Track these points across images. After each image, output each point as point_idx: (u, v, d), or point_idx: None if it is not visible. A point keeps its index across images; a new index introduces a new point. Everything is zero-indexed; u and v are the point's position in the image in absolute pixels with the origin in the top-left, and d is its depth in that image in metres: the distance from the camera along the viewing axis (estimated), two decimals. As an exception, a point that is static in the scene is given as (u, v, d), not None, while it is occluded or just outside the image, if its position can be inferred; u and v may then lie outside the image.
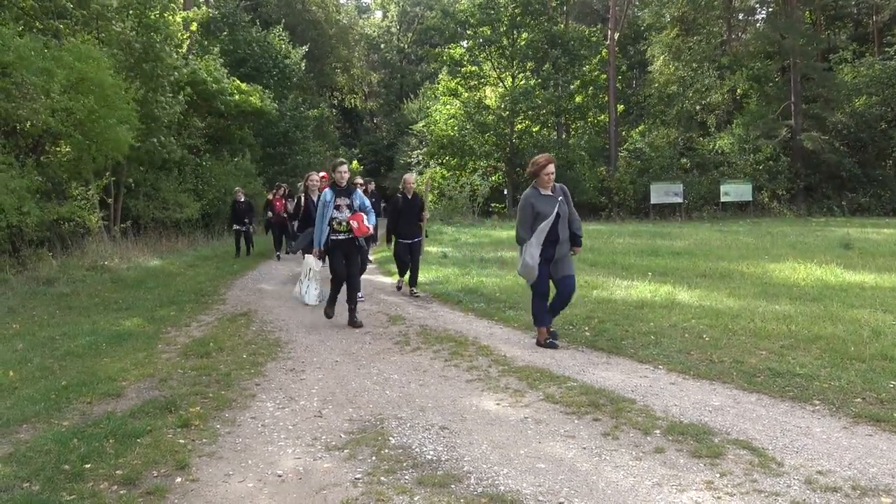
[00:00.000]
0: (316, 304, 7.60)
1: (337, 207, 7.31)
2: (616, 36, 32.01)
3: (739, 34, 35.57)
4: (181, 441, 3.91)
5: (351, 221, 7.23)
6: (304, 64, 30.63)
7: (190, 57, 20.12)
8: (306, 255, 7.83)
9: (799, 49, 28.90)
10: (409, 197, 9.46)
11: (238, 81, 22.58)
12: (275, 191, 16.38)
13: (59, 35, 13.88)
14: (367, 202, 7.58)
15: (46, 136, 12.71)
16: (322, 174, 12.21)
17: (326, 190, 7.37)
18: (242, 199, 16.14)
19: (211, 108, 20.94)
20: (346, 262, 7.41)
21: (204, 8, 21.69)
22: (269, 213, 15.94)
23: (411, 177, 9.79)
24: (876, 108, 28.75)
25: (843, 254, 12.17)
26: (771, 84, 31.60)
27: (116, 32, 14.96)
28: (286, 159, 28.84)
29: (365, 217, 7.36)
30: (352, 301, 7.49)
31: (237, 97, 21.68)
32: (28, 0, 13.00)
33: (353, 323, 7.40)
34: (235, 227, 16.22)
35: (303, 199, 9.24)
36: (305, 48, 30.86)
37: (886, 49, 30.33)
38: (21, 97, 11.14)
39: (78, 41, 13.21)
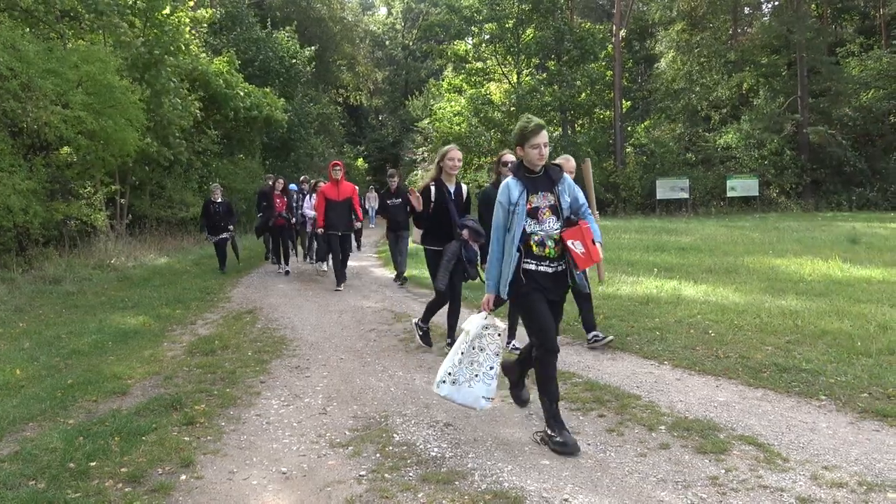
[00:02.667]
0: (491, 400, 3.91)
1: (532, 213, 3.71)
2: (622, 32, 31.89)
3: (746, 28, 35.38)
4: (186, 439, 3.92)
5: (568, 241, 3.66)
6: (312, 64, 30.40)
7: (202, 57, 20.02)
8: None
9: (806, 42, 28.73)
10: None
11: (244, 83, 22.48)
12: (273, 186, 12.62)
13: (65, 37, 13.88)
14: (582, 196, 3.88)
15: (53, 136, 12.74)
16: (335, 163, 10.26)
17: (509, 180, 3.78)
18: (220, 200, 12.68)
19: (221, 111, 20.86)
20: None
21: (211, 10, 21.65)
22: (276, 217, 12.25)
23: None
24: (883, 101, 28.52)
25: (850, 248, 12.12)
26: (778, 78, 31.43)
27: (128, 33, 14.81)
28: (288, 155, 28.72)
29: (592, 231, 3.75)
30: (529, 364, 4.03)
31: (248, 101, 21.41)
32: (30, 1, 12.96)
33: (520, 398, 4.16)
34: (211, 237, 12.87)
35: (432, 192, 5.94)
36: (314, 48, 30.71)
37: (894, 42, 30.11)
38: (28, 99, 11.18)
39: (86, 43, 13.20)
